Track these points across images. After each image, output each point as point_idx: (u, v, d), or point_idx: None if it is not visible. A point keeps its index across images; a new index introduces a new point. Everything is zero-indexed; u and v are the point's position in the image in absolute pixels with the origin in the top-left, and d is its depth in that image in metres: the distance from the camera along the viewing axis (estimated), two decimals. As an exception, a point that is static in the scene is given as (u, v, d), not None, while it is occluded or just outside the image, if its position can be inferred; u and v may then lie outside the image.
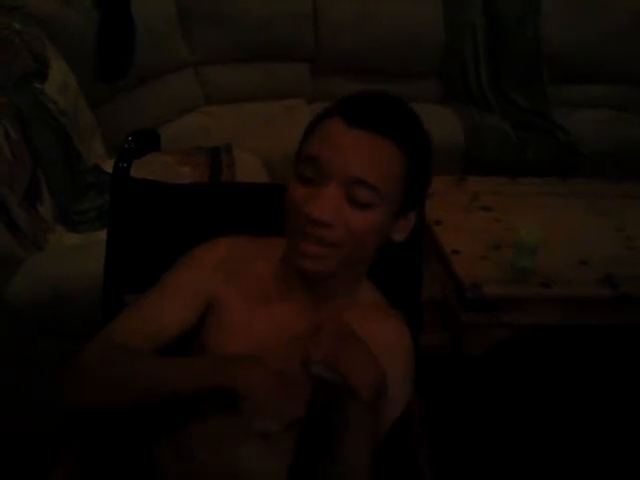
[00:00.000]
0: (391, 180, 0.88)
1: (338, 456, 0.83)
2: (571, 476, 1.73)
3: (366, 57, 2.89)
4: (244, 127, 2.61)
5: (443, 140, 2.53)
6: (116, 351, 0.91)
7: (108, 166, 2.02)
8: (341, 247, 0.88)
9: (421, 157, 0.92)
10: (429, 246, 1.86)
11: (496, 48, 3.01)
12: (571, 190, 2.28)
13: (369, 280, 1.03)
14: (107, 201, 1.21)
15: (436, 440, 1.06)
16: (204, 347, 0.95)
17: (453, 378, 1.79)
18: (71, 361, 0.91)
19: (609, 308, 1.78)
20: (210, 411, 0.90)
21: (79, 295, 1.46)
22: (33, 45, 1.95)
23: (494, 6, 2.99)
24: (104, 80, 2.34)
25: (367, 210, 0.87)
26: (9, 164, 1.63)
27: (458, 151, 2.73)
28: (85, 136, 2.08)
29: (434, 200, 1.13)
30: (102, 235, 1.17)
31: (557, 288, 1.74)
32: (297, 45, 2.88)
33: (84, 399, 0.90)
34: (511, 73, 3.02)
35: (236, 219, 1.13)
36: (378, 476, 0.85)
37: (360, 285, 1.01)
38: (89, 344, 0.92)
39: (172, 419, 0.93)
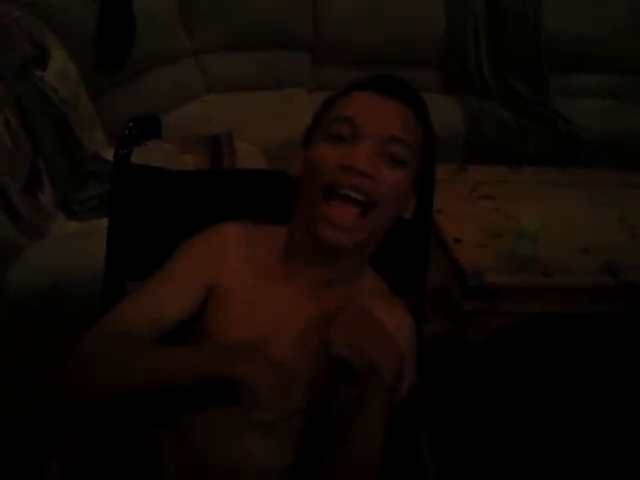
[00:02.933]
0: (416, 146, 0.94)
1: (354, 438, 0.82)
2: (571, 464, 1.74)
3: (366, 46, 2.88)
4: (244, 116, 2.60)
5: (444, 128, 2.49)
6: (116, 341, 0.90)
7: (109, 155, 2.01)
8: (372, 210, 0.89)
9: (432, 137, 0.98)
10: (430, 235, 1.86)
11: (497, 38, 3.00)
12: (572, 179, 2.28)
13: (371, 268, 1.03)
14: (108, 190, 1.20)
15: (437, 427, 1.06)
16: (205, 333, 0.95)
17: (455, 366, 1.79)
18: (71, 351, 0.91)
19: (610, 296, 1.78)
20: (211, 402, 0.89)
21: (79, 284, 1.46)
22: (33, 33, 1.94)
23: (496, -5, 2.99)
24: (103, 69, 2.34)
25: (399, 169, 0.91)
26: (9, 153, 1.63)
27: (459, 139, 2.73)
28: (86, 124, 2.08)
29: (435, 189, 1.13)
30: (103, 223, 1.16)
31: (558, 276, 1.74)
32: (297, 34, 2.87)
33: (84, 390, 0.90)
34: (512, 63, 3.01)
35: (237, 205, 1.13)
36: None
37: (363, 272, 1.01)
38: (89, 332, 0.92)
39: (173, 410, 0.92)
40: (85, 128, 2.06)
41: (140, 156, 1.12)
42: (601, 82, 3.07)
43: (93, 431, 1.01)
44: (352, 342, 0.81)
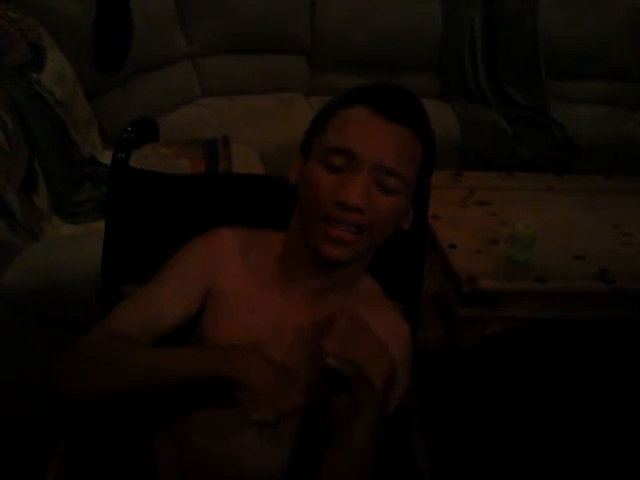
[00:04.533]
0: (413, 168, 0.93)
1: (347, 445, 0.83)
2: (564, 470, 1.74)
3: (363, 50, 2.88)
4: (241, 119, 2.60)
5: (439, 134, 2.49)
6: (114, 342, 0.91)
7: (104, 158, 2.02)
8: (368, 232, 0.90)
9: (432, 148, 0.97)
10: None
11: (494, 43, 3.01)
12: (567, 185, 2.29)
13: (367, 272, 1.03)
14: (104, 192, 1.20)
15: (432, 432, 1.07)
16: (202, 338, 0.95)
17: (449, 371, 1.79)
18: (68, 352, 0.91)
19: (604, 303, 1.79)
20: (209, 400, 0.90)
21: (75, 286, 1.46)
22: (29, 35, 1.93)
23: (493, 1, 2.99)
24: (101, 71, 2.33)
25: (393, 195, 0.91)
26: (5, 154, 1.62)
27: (454, 146, 2.73)
28: (82, 127, 2.08)
29: (431, 195, 1.13)
30: (98, 226, 1.16)
31: (552, 283, 1.74)
32: (295, 38, 2.88)
33: (81, 391, 0.90)
34: (508, 68, 3.02)
35: (234, 209, 1.13)
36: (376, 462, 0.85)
37: (360, 277, 1.01)
38: (88, 335, 0.92)
39: (171, 408, 0.93)
40: (81, 130, 2.06)
41: (137, 160, 1.12)
42: (596, 88, 3.08)
43: (90, 431, 1.01)
44: (343, 351, 0.82)
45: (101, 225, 1.15)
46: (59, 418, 1.01)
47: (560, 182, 2.31)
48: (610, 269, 1.79)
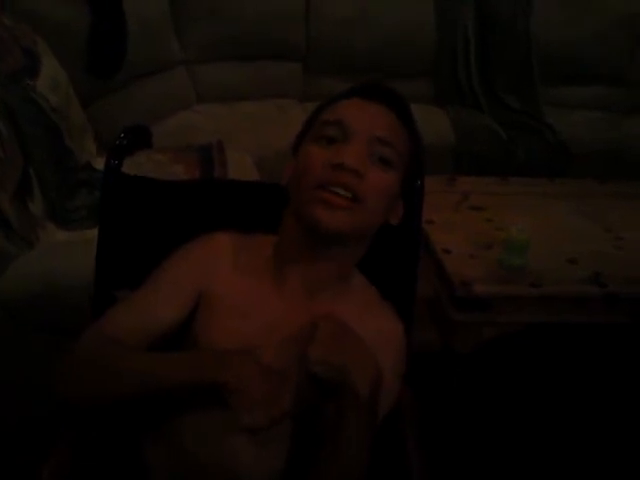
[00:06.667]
0: (403, 146, 0.95)
1: (336, 452, 0.83)
2: (558, 471, 1.75)
3: (357, 57, 2.90)
4: (236, 126, 2.61)
5: (434, 139, 2.55)
6: (108, 347, 0.91)
7: (99, 164, 2.01)
8: (361, 203, 0.90)
9: (418, 141, 0.99)
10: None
11: (487, 48, 3.03)
12: (560, 190, 2.29)
13: (361, 274, 1.04)
14: (98, 199, 1.21)
15: (427, 436, 1.07)
16: (196, 341, 0.95)
17: (444, 376, 1.80)
18: (64, 357, 0.92)
19: (598, 307, 1.79)
20: (202, 405, 0.90)
21: (70, 292, 1.46)
22: (24, 41, 1.94)
23: (486, 6, 3.01)
24: (95, 77, 2.34)
25: (386, 170, 0.92)
26: (0, 161, 1.62)
27: (448, 150, 2.75)
28: (76, 133, 2.08)
29: (425, 199, 1.14)
30: (93, 233, 1.17)
31: (546, 287, 1.75)
32: (289, 44, 2.89)
33: (75, 391, 0.90)
34: (502, 73, 3.03)
35: (227, 215, 1.13)
36: (370, 467, 0.86)
37: (353, 275, 1.02)
38: (82, 338, 0.92)
39: (164, 413, 0.93)
40: (76, 137, 2.06)
41: (131, 168, 1.13)
42: (590, 93, 3.10)
43: (87, 435, 1.02)
44: (329, 359, 0.82)
45: (96, 231, 1.15)
46: (59, 418, 1.01)
47: (553, 187, 2.32)
48: (603, 273, 1.79)
